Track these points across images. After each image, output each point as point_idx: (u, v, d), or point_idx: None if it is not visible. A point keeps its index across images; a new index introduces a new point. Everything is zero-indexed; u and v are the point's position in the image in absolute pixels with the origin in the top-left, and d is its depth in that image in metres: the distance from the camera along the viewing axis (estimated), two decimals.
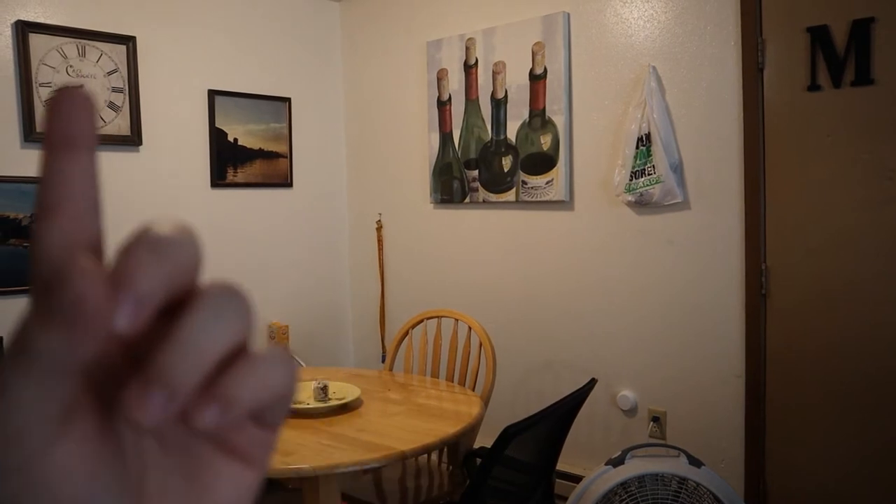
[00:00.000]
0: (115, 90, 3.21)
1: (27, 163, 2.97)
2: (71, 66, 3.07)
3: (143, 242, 0.24)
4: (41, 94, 2.99)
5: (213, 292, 0.25)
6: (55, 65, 3.03)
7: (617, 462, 2.50)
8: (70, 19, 3.08)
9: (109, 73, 3.19)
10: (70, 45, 3.07)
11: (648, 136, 2.85)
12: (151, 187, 3.35)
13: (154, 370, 0.23)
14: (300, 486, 1.97)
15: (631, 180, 2.90)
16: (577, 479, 3.05)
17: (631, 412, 3.10)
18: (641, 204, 2.93)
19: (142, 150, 3.32)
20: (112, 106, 3.20)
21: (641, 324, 3.04)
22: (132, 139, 3.27)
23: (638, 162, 2.88)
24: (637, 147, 2.88)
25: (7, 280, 2.92)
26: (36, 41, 2.98)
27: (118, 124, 3.23)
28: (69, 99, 0.25)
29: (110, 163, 3.22)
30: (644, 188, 2.88)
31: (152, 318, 0.24)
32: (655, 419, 3.02)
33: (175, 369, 0.23)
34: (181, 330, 0.23)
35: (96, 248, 0.25)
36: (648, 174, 2.86)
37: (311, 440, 2.02)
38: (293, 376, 0.26)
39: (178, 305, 0.24)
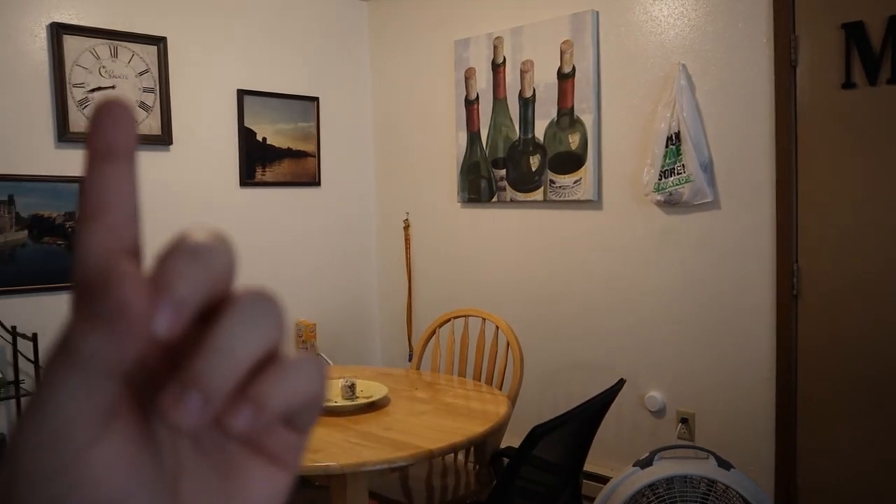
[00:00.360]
0: (147, 90, 3.25)
1: (61, 163, 3.02)
2: (103, 67, 3.12)
3: (181, 249, 0.25)
4: (75, 95, 3.04)
5: (247, 298, 0.26)
6: (88, 66, 3.08)
7: (645, 463, 2.48)
8: (103, 21, 3.12)
9: (141, 74, 3.23)
10: (103, 47, 3.12)
11: (678, 134, 2.82)
12: (182, 186, 3.39)
13: (190, 374, 0.23)
14: (328, 483, 1.98)
15: (660, 179, 2.88)
16: (604, 479, 3.03)
17: (659, 413, 3.07)
18: (670, 203, 2.91)
19: (172, 149, 3.36)
20: (143, 106, 3.24)
21: (671, 324, 3.02)
22: (163, 139, 3.31)
23: (667, 161, 2.85)
24: (666, 146, 2.85)
25: (42, 277, 2.97)
26: (70, 43, 3.02)
27: (149, 124, 3.27)
28: (111, 109, 0.26)
29: (142, 162, 3.25)
30: (673, 187, 2.85)
31: (189, 324, 0.24)
32: (684, 420, 2.99)
33: (210, 374, 0.24)
34: (216, 335, 0.24)
35: (135, 253, 0.26)
36: (678, 173, 2.83)
37: (339, 438, 2.03)
38: (324, 381, 0.27)
39: (213, 311, 0.25)
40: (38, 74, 2.97)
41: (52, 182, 2.99)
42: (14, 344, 2.83)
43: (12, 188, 2.89)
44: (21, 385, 2.80)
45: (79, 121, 3.05)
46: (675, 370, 3.01)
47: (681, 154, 2.82)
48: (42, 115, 2.99)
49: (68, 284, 3.00)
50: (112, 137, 0.26)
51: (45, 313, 2.97)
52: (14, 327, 2.83)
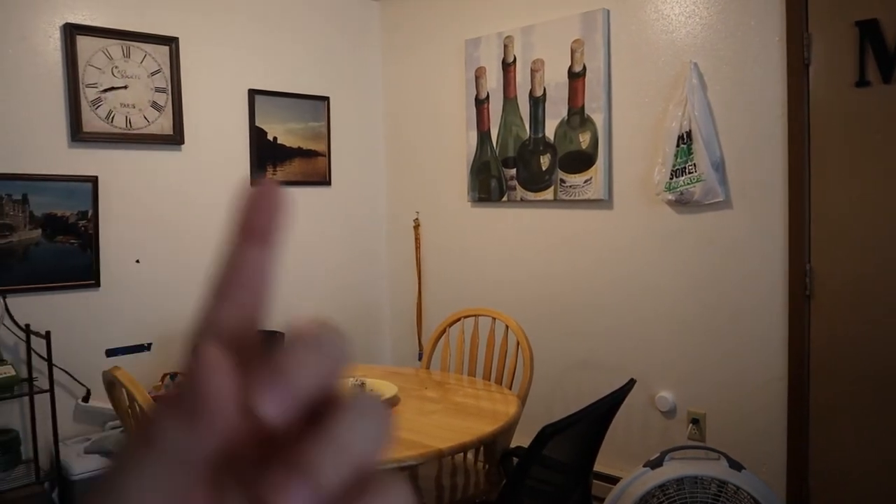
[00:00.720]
0: (158, 90, 3.26)
1: (73, 162, 3.04)
2: (116, 67, 3.14)
3: (300, 339, 0.25)
4: (87, 96, 3.06)
5: (366, 398, 0.26)
6: (101, 66, 3.09)
7: (655, 464, 2.48)
8: (116, 21, 3.14)
9: (153, 74, 3.25)
10: (115, 47, 3.13)
11: (689, 133, 2.81)
12: (193, 186, 3.40)
13: (304, 464, 0.23)
14: None
15: (671, 179, 2.87)
16: (614, 480, 3.03)
17: (670, 413, 3.06)
18: (682, 203, 2.89)
19: (184, 148, 3.37)
20: (155, 106, 3.26)
21: (681, 324, 3.01)
22: (174, 138, 3.32)
23: (678, 160, 2.84)
24: (678, 145, 2.84)
25: (55, 276, 3.00)
26: (83, 43, 3.04)
27: (161, 124, 3.28)
28: (270, 195, 0.27)
29: (153, 162, 3.28)
30: (684, 187, 2.84)
31: (296, 413, 0.24)
32: (695, 421, 2.98)
33: (325, 466, 0.23)
34: (336, 428, 0.24)
35: (254, 337, 0.26)
36: (689, 172, 2.82)
37: None
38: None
39: (319, 404, 0.25)
40: (51, 75, 2.99)
41: (64, 181, 3.01)
42: (28, 342, 2.85)
43: (26, 187, 2.91)
44: (35, 382, 2.82)
45: (91, 121, 3.07)
46: (686, 370, 3.00)
47: (692, 153, 2.80)
48: (56, 115, 3.01)
49: (80, 283, 3.02)
50: (265, 223, 0.27)
51: (58, 311, 3.00)
52: (28, 325, 2.85)
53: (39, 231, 2.95)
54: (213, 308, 0.26)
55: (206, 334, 0.25)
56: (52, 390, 2.76)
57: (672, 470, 2.41)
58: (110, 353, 3.15)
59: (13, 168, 2.89)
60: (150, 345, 3.28)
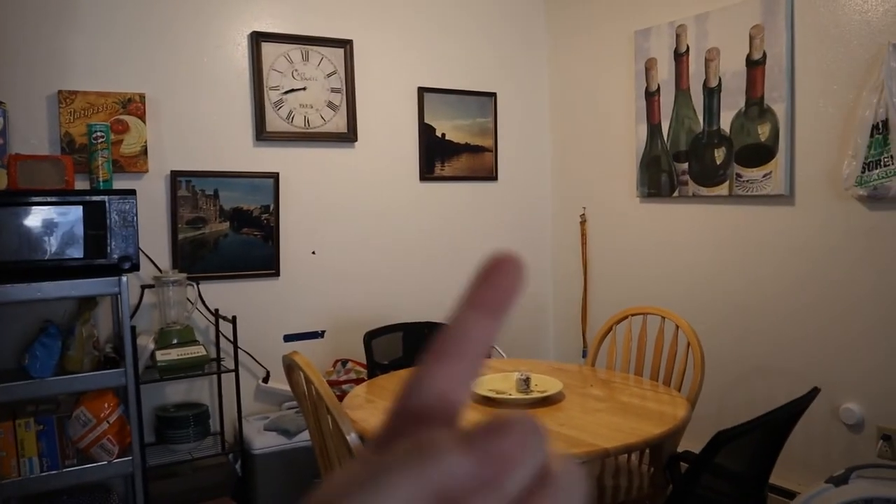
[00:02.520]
0: (334, 90, 3.43)
1: (258, 160, 3.27)
2: (296, 70, 3.33)
3: (517, 432, 0.24)
4: (270, 98, 3.27)
5: (568, 478, 0.25)
6: (282, 70, 3.30)
7: (839, 481, 2.30)
8: (295, 27, 3.34)
9: (329, 75, 3.42)
10: (295, 51, 3.33)
11: (886, 122, 2.57)
12: (366, 181, 3.55)
13: None
14: None
15: (863, 172, 2.64)
16: (790, 494, 2.84)
17: (856, 428, 2.82)
18: (875, 198, 2.65)
19: (357, 146, 3.52)
20: (331, 105, 3.43)
21: (871, 330, 2.76)
22: (348, 136, 3.48)
23: (872, 152, 2.61)
24: (872, 135, 2.60)
25: (241, 265, 3.23)
26: (267, 49, 3.26)
27: (336, 122, 3.45)
28: (508, 268, 0.27)
29: (329, 158, 3.46)
30: (879, 181, 2.60)
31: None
32: (886, 438, 2.72)
33: None
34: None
35: (459, 410, 0.27)
36: (885, 165, 2.58)
37: None
38: None
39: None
40: (240, 79, 3.23)
41: (250, 178, 3.24)
42: (216, 325, 3.10)
43: (217, 183, 3.16)
44: (221, 362, 3.06)
45: (274, 121, 3.28)
46: (878, 382, 2.75)
47: (889, 144, 2.56)
48: (243, 116, 3.24)
49: (263, 272, 3.23)
50: (498, 295, 0.27)
51: (243, 298, 3.23)
52: (217, 310, 3.10)
53: (228, 224, 3.19)
54: (428, 371, 0.26)
55: (418, 393, 0.26)
56: (236, 370, 2.98)
57: (859, 489, 2.22)
58: (288, 338, 3.36)
59: (208, 166, 3.15)
60: (323, 332, 3.46)
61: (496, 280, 0.27)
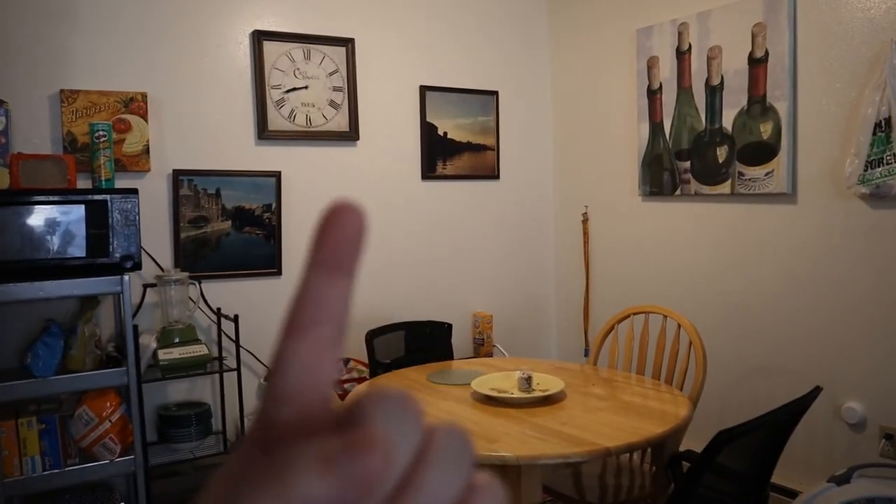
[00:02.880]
0: (336, 89, 3.43)
1: (260, 159, 3.27)
2: (298, 69, 3.33)
3: (381, 450, 0.24)
4: (272, 96, 3.27)
5: (446, 440, 0.26)
6: (284, 68, 3.30)
7: (841, 480, 2.30)
8: (297, 26, 3.33)
9: (331, 74, 3.41)
10: (297, 50, 3.32)
11: (888, 120, 2.56)
12: (368, 179, 3.55)
13: None
14: (501, 473, 2.00)
15: (866, 171, 2.63)
16: (791, 493, 2.84)
17: (858, 427, 2.82)
18: (878, 197, 2.65)
19: (359, 144, 3.52)
20: (333, 104, 3.42)
21: (874, 329, 2.75)
22: (350, 134, 3.47)
23: (875, 150, 2.60)
24: (874, 133, 2.60)
25: (243, 264, 3.23)
26: (269, 48, 3.26)
27: (338, 121, 3.44)
28: (345, 217, 0.25)
29: (331, 157, 3.46)
30: (881, 179, 2.59)
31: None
32: (888, 437, 2.72)
33: None
34: (422, 476, 0.25)
35: (334, 374, 0.26)
36: (887, 163, 2.57)
37: (515, 430, 2.04)
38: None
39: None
40: (241, 78, 3.23)
41: (252, 177, 3.24)
42: (218, 324, 3.10)
43: (219, 182, 3.16)
44: (223, 361, 3.06)
45: (275, 120, 3.28)
46: (880, 381, 2.75)
47: (891, 142, 2.56)
48: (245, 115, 3.24)
49: (265, 271, 3.23)
50: (342, 251, 0.25)
51: (245, 297, 3.23)
52: (219, 309, 3.10)
53: (230, 222, 3.19)
54: (291, 347, 0.25)
55: (286, 375, 0.25)
56: (238, 369, 2.98)
57: (862, 489, 2.22)
58: None
59: (210, 165, 3.15)
60: None
61: (337, 234, 0.25)
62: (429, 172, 3.73)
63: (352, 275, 0.26)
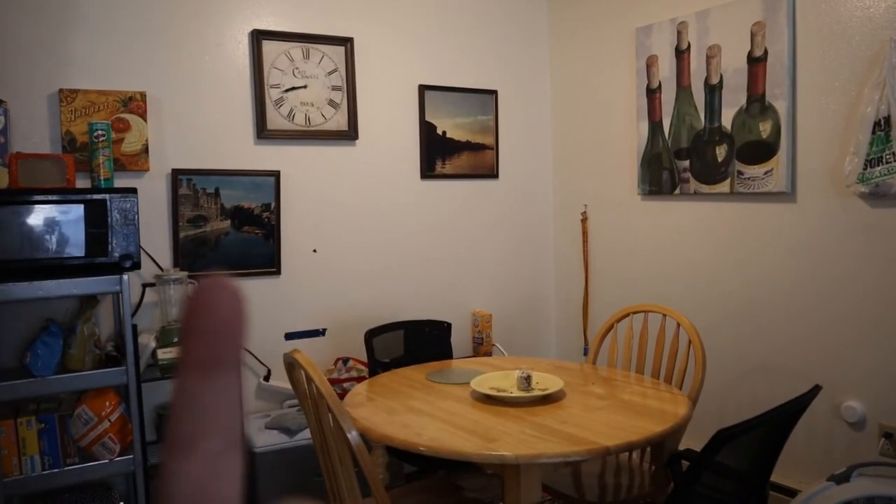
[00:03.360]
0: (335, 88, 3.42)
1: (260, 158, 3.27)
2: (297, 68, 3.32)
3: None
4: (271, 96, 3.27)
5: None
6: (283, 68, 3.29)
7: (841, 479, 2.30)
8: (296, 25, 3.33)
9: (330, 73, 3.41)
10: (296, 49, 3.32)
11: (888, 119, 2.56)
12: (367, 179, 3.55)
13: None
14: (501, 472, 2.00)
15: (865, 169, 2.63)
16: (790, 492, 2.84)
17: (857, 426, 2.82)
18: (877, 196, 2.65)
19: (358, 143, 3.52)
20: (331, 103, 3.42)
21: (873, 327, 2.75)
22: (349, 134, 3.47)
23: (874, 149, 2.60)
24: (873, 132, 2.60)
25: (242, 263, 3.23)
26: (268, 47, 3.25)
27: (337, 120, 3.44)
28: (213, 301, 0.20)
29: (330, 156, 3.45)
30: (881, 178, 2.59)
31: None
32: (888, 436, 2.72)
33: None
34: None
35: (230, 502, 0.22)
36: (887, 162, 2.57)
37: (515, 429, 2.04)
38: None
39: None
40: (240, 78, 3.22)
41: (251, 176, 3.24)
42: None
43: (218, 181, 3.16)
44: None
45: (275, 119, 3.28)
46: (880, 380, 2.75)
47: (891, 141, 2.56)
48: (244, 114, 3.24)
49: (264, 270, 3.22)
50: (214, 342, 0.21)
51: (247, 296, 3.22)
52: None
53: (229, 222, 3.19)
54: (174, 467, 0.21)
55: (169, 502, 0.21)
56: None
57: (861, 487, 2.22)
58: (289, 336, 3.36)
59: (209, 164, 3.15)
60: (324, 330, 3.46)
61: (208, 324, 0.21)
62: (428, 172, 3.73)
63: (235, 367, 0.22)
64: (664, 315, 2.83)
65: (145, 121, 2.99)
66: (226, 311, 0.21)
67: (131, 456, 2.59)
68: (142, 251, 2.74)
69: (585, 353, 3.96)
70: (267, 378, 3.26)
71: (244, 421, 0.22)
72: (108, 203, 2.52)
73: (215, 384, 0.21)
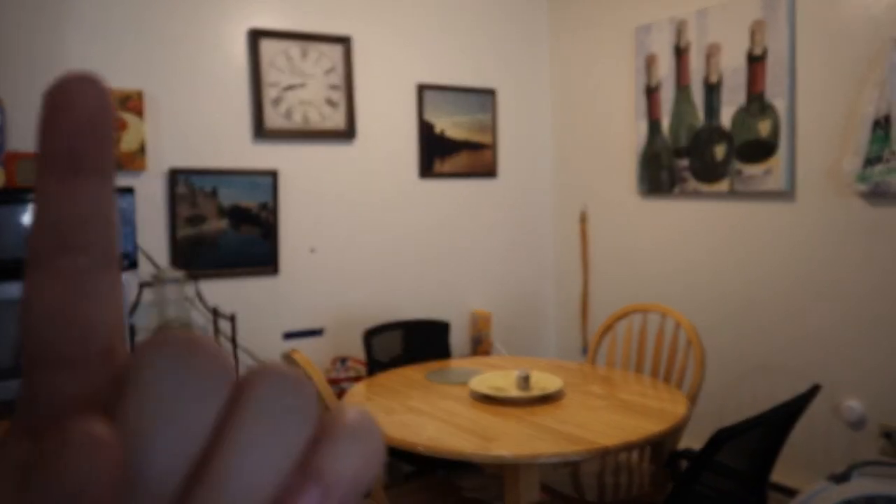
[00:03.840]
0: (333, 87, 3.41)
1: (257, 157, 3.26)
2: (295, 67, 3.31)
3: (341, 429, 0.20)
4: (269, 94, 3.26)
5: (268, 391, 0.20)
6: (281, 66, 3.28)
7: (840, 478, 2.29)
8: (294, 24, 3.32)
9: (328, 72, 3.40)
10: (294, 48, 3.31)
11: (888, 118, 2.56)
12: (365, 178, 3.54)
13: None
14: (500, 472, 1.99)
15: (865, 168, 2.62)
16: (790, 492, 2.84)
17: (857, 425, 2.81)
18: (877, 195, 2.64)
19: (356, 143, 3.51)
20: (329, 102, 3.41)
21: (873, 327, 2.75)
22: (347, 133, 3.46)
23: (874, 148, 2.60)
24: (873, 131, 2.59)
25: (240, 262, 3.22)
26: (265, 46, 3.24)
27: (335, 119, 3.43)
28: (75, 96, 0.18)
29: (328, 155, 3.44)
30: (880, 177, 2.59)
31: None
32: (887, 435, 2.72)
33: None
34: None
35: (101, 329, 0.19)
36: (887, 161, 2.57)
37: (514, 428, 2.04)
38: (377, 456, 0.21)
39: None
40: (238, 76, 3.21)
41: (248, 175, 3.23)
42: (215, 323, 3.09)
43: (216, 181, 3.15)
44: None
45: (272, 118, 3.27)
46: (879, 379, 2.74)
47: (890, 140, 2.55)
48: (241, 113, 3.23)
49: (262, 270, 3.22)
50: (77, 140, 0.18)
51: (242, 296, 3.22)
52: (215, 308, 3.09)
53: (226, 221, 3.18)
54: (37, 288, 0.19)
55: (27, 327, 0.19)
56: (235, 369, 2.96)
57: (861, 487, 2.21)
58: (287, 336, 3.35)
59: (206, 163, 3.14)
60: (322, 330, 3.45)
61: (68, 121, 0.18)
62: (426, 171, 3.72)
63: (102, 172, 0.19)
64: (663, 314, 2.83)
65: (142, 120, 2.98)
66: (88, 107, 0.18)
67: None
68: (139, 251, 2.73)
69: (585, 353, 3.95)
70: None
71: (119, 238, 0.19)
72: None
73: (78, 190, 0.18)
